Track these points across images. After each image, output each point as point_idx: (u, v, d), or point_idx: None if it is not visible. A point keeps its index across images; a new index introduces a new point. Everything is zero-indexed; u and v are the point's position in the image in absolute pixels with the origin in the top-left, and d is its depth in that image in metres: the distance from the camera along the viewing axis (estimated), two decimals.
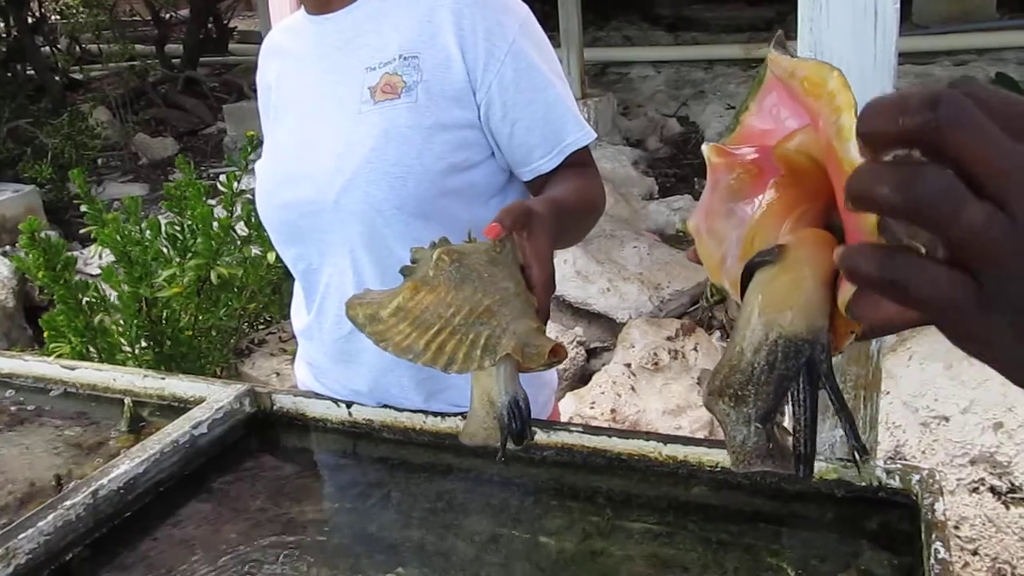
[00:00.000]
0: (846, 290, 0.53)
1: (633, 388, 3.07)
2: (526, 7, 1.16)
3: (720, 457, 1.07)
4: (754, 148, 0.61)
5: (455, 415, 1.18)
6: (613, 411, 2.91)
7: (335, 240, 1.15)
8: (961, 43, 6.86)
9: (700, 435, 2.93)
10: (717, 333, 3.61)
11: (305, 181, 1.14)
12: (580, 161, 1.17)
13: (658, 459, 1.09)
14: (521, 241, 0.86)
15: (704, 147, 0.63)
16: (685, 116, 6.78)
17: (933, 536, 0.89)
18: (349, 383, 1.24)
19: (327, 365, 1.27)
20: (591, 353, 3.54)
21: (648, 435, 1.11)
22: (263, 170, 1.23)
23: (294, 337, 1.36)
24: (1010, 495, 2.31)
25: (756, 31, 8.69)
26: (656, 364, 3.18)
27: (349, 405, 1.23)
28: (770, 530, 1.02)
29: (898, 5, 0.81)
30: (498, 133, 1.14)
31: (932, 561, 0.85)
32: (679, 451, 1.09)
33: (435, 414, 1.19)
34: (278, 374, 3.10)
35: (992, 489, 2.34)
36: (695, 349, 3.29)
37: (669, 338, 3.32)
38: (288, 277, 1.39)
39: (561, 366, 3.10)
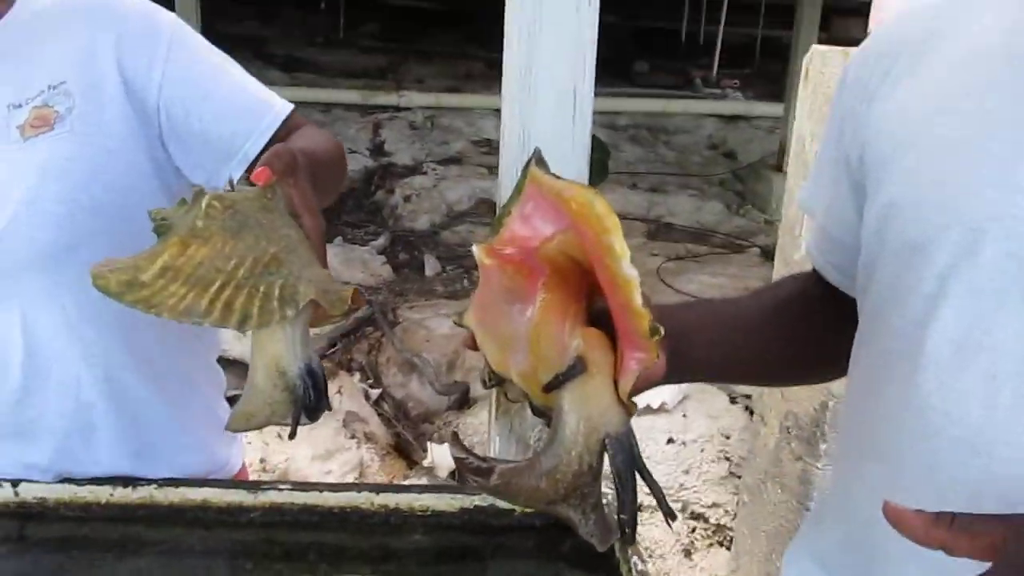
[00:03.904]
0: (627, 381, 0.62)
1: (280, 435, 3.01)
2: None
3: (430, 501, 1.12)
4: (520, 249, 0.69)
5: (151, 483, 1.10)
6: (263, 461, 2.84)
7: None
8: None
9: (350, 478, 2.96)
10: (357, 375, 3.67)
11: None
12: (295, 127, 1.12)
13: (371, 509, 1.11)
14: (288, 189, 0.80)
15: (475, 248, 0.69)
16: None
17: (629, 552, 1.01)
18: (23, 458, 1.10)
19: None
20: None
21: (360, 487, 1.13)
22: None
23: None
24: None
25: (371, 78, 8.99)
26: None
27: (16, 484, 1.09)
28: (479, 565, 1.09)
29: (593, 94, 0.94)
30: (189, 135, 1.07)
31: (635, 573, 0.97)
32: (391, 499, 1.12)
33: (125, 483, 1.10)
34: None
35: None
36: (339, 392, 3.32)
37: None
38: None
39: None
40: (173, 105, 1.06)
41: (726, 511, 2.59)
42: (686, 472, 2.64)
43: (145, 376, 1.14)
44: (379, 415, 3.34)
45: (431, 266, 4.95)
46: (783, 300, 0.88)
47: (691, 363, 0.77)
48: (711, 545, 2.53)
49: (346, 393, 3.30)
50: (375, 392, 3.51)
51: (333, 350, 3.80)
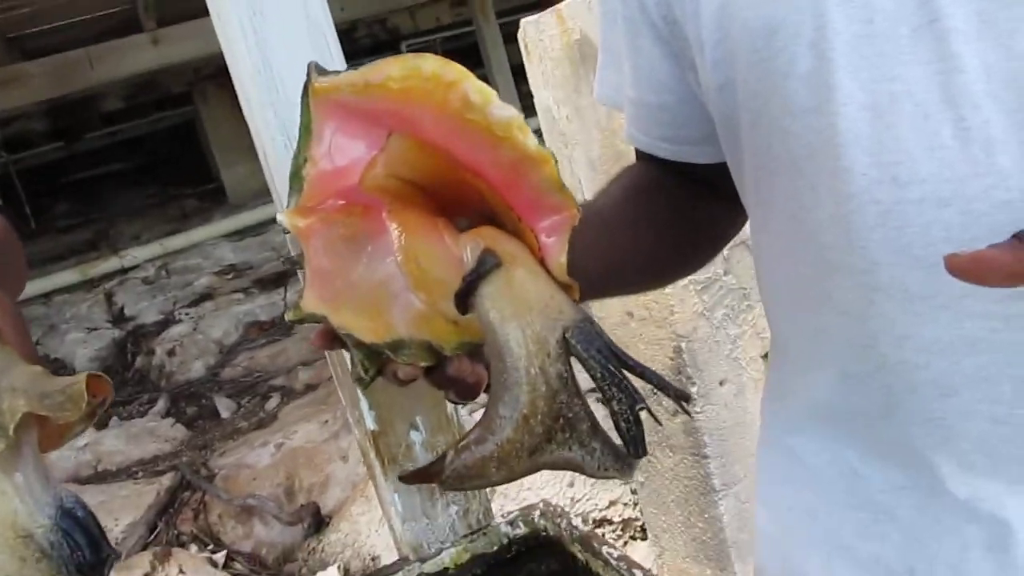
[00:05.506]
0: (557, 253, 0.48)
1: None
2: None
3: None
4: (338, 192, 0.53)
5: None
6: None
7: None
8: (272, 212, 7.48)
9: None
10: (193, 547, 3.27)
11: None
12: None
13: None
14: None
15: (281, 217, 0.53)
16: (46, 355, 6.16)
17: (595, 544, 0.87)
18: None
19: None
20: None
21: None
22: None
23: None
24: None
25: (82, 253, 8.37)
26: None
27: None
28: None
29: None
30: None
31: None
32: None
33: None
34: None
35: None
36: (182, 572, 2.92)
37: (147, 575, 2.90)
38: None
39: None
40: None
41: (625, 503, 2.50)
42: (571, 485, 2.52)
43: None
44: None
45: (224, 407, 4.57)
46: (631, 188, 0.78)
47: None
48: (626, 543, 2.42)
49: (190, 571, 2.92)
50: (220, 556, 3.14)
51: (155, 533, 3.37)
